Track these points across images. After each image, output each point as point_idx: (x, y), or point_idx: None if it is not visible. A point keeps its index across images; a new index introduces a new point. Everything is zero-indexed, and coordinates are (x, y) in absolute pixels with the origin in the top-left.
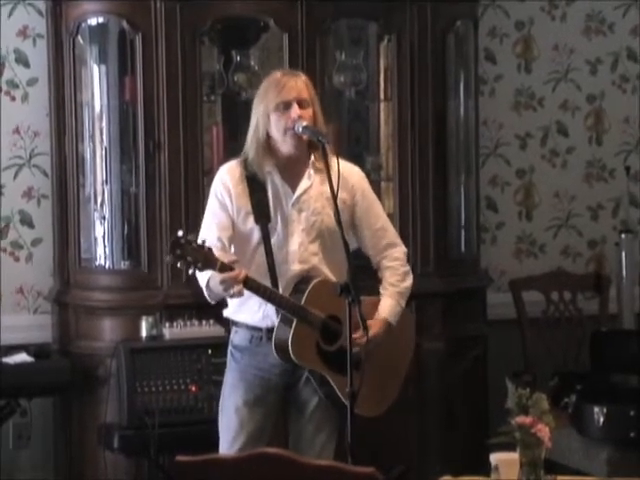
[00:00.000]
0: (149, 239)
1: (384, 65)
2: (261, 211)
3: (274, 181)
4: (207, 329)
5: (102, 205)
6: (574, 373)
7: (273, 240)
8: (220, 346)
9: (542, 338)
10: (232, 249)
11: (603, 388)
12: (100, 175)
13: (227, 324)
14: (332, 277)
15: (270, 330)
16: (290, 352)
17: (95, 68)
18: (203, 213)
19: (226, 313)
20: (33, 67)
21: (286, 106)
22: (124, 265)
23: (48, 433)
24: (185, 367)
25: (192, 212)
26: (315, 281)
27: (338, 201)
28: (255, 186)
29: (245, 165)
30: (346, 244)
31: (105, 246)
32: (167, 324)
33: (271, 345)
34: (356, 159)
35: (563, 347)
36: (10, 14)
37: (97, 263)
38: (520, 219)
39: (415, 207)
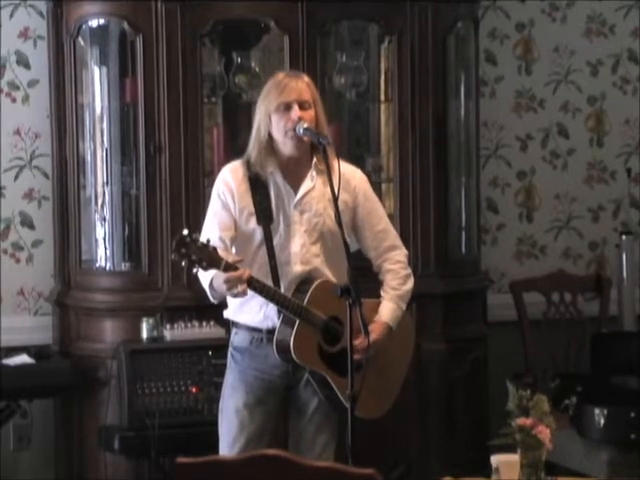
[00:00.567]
0: (150, 241)
1: (385, 66)
2: (263, 212)
3: (276, 182)
4: (207, 330)
5: (103, 207)
6: (575, 375)
7: (275, 241)
8: (221, 347)
9: (543, 340)
10: (233, 249)
11: (604, 390)
12: (101, 177)
13: (227, 326)
14: (333, 279)
15: (270, 331)
16: (292, 352)
17: (96, 70)
18: (204, 215)
19: (226, 314)
20: (34, 68)
21: (287, 107)
22: (125, 267)
23: (49, 435)
24: (186, 369)
25: (193, 214)
26: (317, 282)
27: (340, 203)
28: (258, 187)
29: (248, 166)
30: (347, 245)
31: (106, 248)
32: (168, 326)
33: (271, 346)
34: (356, 160)
35: (564, 349)
36: (11, 15)
37: (98, 265)
38: (521, 220)
39: (415, 208)
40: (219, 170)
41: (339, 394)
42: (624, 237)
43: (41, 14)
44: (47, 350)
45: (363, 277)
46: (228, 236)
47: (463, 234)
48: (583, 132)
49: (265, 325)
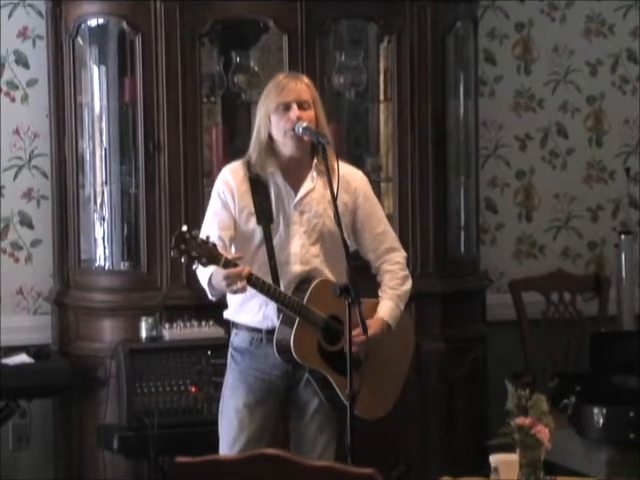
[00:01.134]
0: (149, 240)
1: (384, 66)
2: (263, 212)
3: (277, 182)
4: (207, 330)
5: (102, 206)
6: (574, 374)
7: (275, 241)
8: (220, 347)
9: (542, 339)
10: (232, 249)
11: (603, 389)
12: (100, 176)
13: (227, 325)
14: (333, 279)
15: (270, 332)
16: (292, 350)
17: (95, 69)
18: (203, 214)
19: (226, 314)
20: (33, 68)
21: (286, 107)
22: (124, 266)
23: (48, 434)
24: (185, 368)
25: (192, 213)
26: (317, 281)
27: (340, 204)
28: (258, 187)
29: (248, 166)
30: (346, 246)
31: (105, 247)
32: (167, 325)
33: (271, 347)
34: (356, 160)
35: (563, 348)
36: (10, 15)
37: (97, 264)
38: (520, 220)
39: (415, 208)
40: (218, 170)
41: (339, 393)
42: (623, 237)
43: (40, 14)
44: (46, 350)
45: (362, 277)
46: (227, 236)
47: (462, 234)
48: (582, 132)
49: (265, 325)
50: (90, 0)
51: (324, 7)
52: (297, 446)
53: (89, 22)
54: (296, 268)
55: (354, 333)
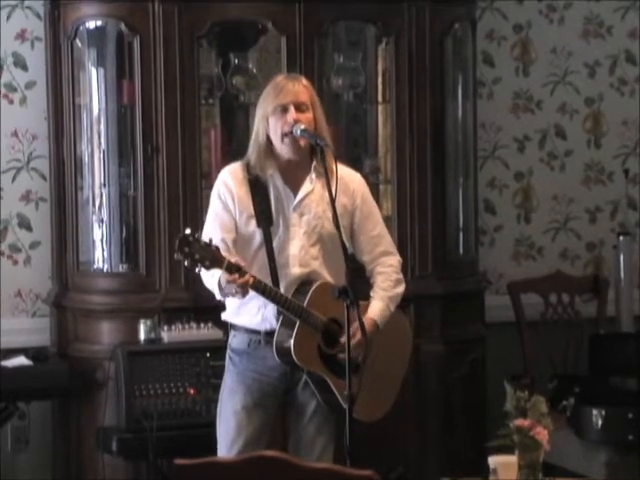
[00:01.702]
0: (147, 242)
1: (382, 68)
2: (263, 214)
3: (276, 184)
4: (205, 332)
5: (100, 208)
6: (572, 376)
7: (274, 243)
8: (218, 349)
9: (540, 341)
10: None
11: (601, 391)
12: (98, 178)
13: (225, 327)
14: (332, 281)
15: (268, 333)
16: (292, 353)
17: (93, 71)
18: (201, 216)
19: (224, 316)
20: (31, 70)
21: (283, 109)
22: (122, 268)
23: (46, 436)
24: (183, 370)
25: (190, 215)
26: (317, 284)
27: (339, 206)
28: (257, 189)
29: (248, 168)
30: (345, 248)
31: (103, 249)
32: (165, 327)
33: (269, 349)
34: (354, 162)
35: (561, 350)
36: (8, 17)
37: (95, 266)
38: (518, 222)
39: (413, 210)
40: (216, 171)
41: (338, 396)
42: (622, 238)
43: (38, 16)
44: (45, 352)
45: (360, 279)
46: (230, 238)
47: (461, 235)
48: (581, 133)
49: (263, 327)
50: (88, 2)
51: (322, 9)
52: (295, 448)
53: (87, 24)
54: (295, 270)
55: (352, 331)
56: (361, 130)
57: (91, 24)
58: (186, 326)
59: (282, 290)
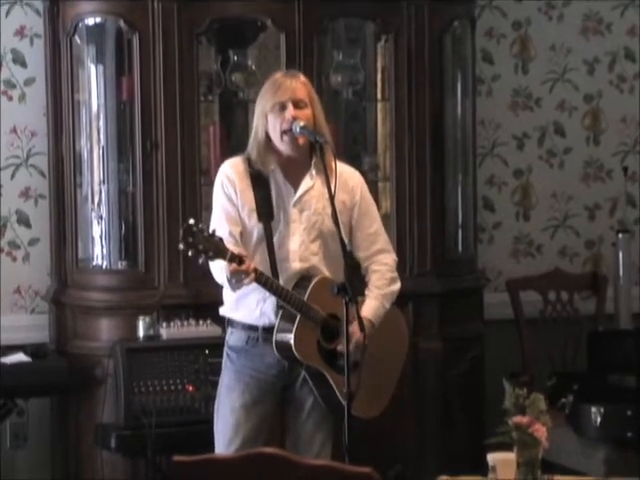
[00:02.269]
0: (146, 239)
1: (381, 65)
2: (264, 209)
3: (277, 180)
4: (204, 329)
5: (99, 205)
6: (571, 373)
7: (275, 238)
8: (217, 346)
9: (539, 338)
10: None
11: (600, 388)
12: (97, 175)
13: (224, 324)
14: (331, 277)
15: (266, 329)
16: (293, 347)
17: (92, 68)
18: (200, 212)
19: (222, 311)
20: (30, 67)
21: (282, 107)
22: (121, 265)
23: (45, 433)
24: (182, 367)
25: (189, 211)
26: (317, 279)
27: (338, 202)
28: (259, 184)
29: (249, 163)
30: (343, 244)
31: (102, 246)
32: (164, 324)
33: (267, 346)
34: (353, 159)
35: (560, 347)
36: (7, 14)
37: (94, 263)
38: (517, 219)
39: (412, 207)
40: (216, 168)
41: (337, 392)
42: (620, 235)
43: (37, 12)
44: (44, 348)
45: (359, 276)
46: (237, 231)
47: (460, 233)
48: (580, 130)
49: (262, 322)
50: None
51: (322, 6)
52: (294, 445)
53: (86, 21)
54: (295, 265)
55: (351, 330)
56: (360, 127)
57: (90, 21)
58: (185, 323)
59: (282, 284)
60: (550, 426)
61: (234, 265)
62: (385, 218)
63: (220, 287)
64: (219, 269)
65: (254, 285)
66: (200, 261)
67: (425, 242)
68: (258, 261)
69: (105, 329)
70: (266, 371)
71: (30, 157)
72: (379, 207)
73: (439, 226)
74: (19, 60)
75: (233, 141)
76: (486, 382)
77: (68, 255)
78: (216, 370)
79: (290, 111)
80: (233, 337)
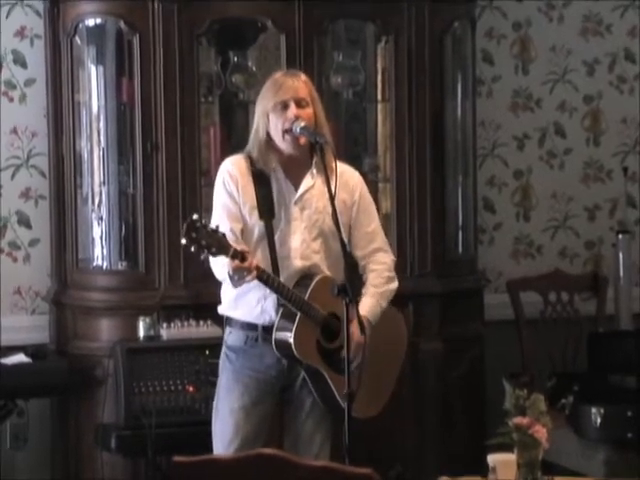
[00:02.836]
0: (146, 240)
1: (382, 66)
2: (266, 207)
3: (278, 178)
4: (204, 330)
5: (99, 206)
6: (571, 374)
7: (276, 236)
8: (218, 347)
9: (539, 339)
10: None
11: (601, 389)
12: (98, 176)
13: (223, 323)
14: (331, 275)
15: (266, 329)
16: (292, 346)
17: (93, 69)
18: (201, 213)
19: (221, 310)
20: (31, 68)
21: (284, 106)
22: (121, 266)
23: (45, 434)
24: (182, 368)
25: (189, 212)
26: (318, 278)
27: (339, 201)
28: (261, 181)
29: (251, 161)
30: (343, 243)
31: (102, 247)
32: (164, 325)
33: (267, 346)
34: (353, 160)
35: (560, 348)
36: (8, 15)
37: (94, 264)
38: (517, 220)
39: (412, 208)
40: (216, 169)
41: (335, 392)
42: (620, 236)
43: (38, 13)
44: (44, 349)
45: (359, 275)
46: (238, 228)
47: (460, 233)
48: (580, 131)
49: (262, 320)
50: (88, 0)
51: (322, 7)
52: (293, 445)
53: (87, 22)
54: (297, 263)
55: (351, 331)
56: (360, 128)
57: (90, 22)
58: (185, 323)
59: (283, 282)
60: (550, 427)
61: (237, 262)
62: (385, 219)
63: (220, 287)
64: (221, 265)
65: (254, 282)
66: (202, 257)
67: (425, 243)
68: (259, 259)
69: (105, 330)
70: (265, 371)
71: (30, 158)
72: (379, 208)
73: (439, 227)
74: (19, 61)
75: (233, 142)
76: (486, 383)
77: (68, 256)
78: (216, 371)
79: (292, 110)
80: (232, 337)
